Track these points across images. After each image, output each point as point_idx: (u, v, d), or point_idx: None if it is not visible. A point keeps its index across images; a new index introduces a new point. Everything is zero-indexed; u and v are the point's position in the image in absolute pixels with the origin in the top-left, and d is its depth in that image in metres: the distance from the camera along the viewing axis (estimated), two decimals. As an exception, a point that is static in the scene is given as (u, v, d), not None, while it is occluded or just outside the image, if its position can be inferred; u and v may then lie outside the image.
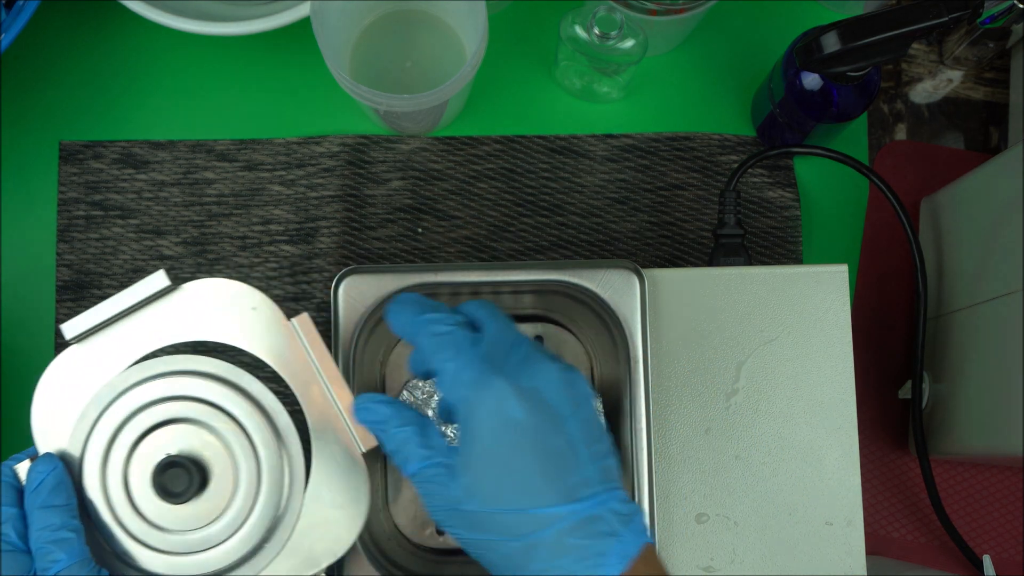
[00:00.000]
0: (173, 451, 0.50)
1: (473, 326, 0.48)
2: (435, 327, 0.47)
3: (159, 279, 0.52)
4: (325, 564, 0.51)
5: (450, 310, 0.48)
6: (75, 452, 0.51)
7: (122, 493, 0.50)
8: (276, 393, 0.52)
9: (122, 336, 0.52)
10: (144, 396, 0.51)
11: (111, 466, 0.50)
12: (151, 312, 0.52)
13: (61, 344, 0.69)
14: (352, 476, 0.51)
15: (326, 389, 0.52)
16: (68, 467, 0.50)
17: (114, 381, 0.51)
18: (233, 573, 0.50)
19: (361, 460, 0.51)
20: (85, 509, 0.50)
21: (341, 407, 0.51)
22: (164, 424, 0.51)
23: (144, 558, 0.50)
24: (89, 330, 0.51)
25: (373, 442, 0.51)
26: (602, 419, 0.56)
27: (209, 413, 0.51)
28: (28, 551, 0.48)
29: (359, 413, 0.49)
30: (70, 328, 0.52)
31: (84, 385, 0.52)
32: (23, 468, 0.50)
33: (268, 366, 0.52)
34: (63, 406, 0.52)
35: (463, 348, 0.46)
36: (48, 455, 0.50)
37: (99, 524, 0.51)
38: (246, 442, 0.51)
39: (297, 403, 0.52)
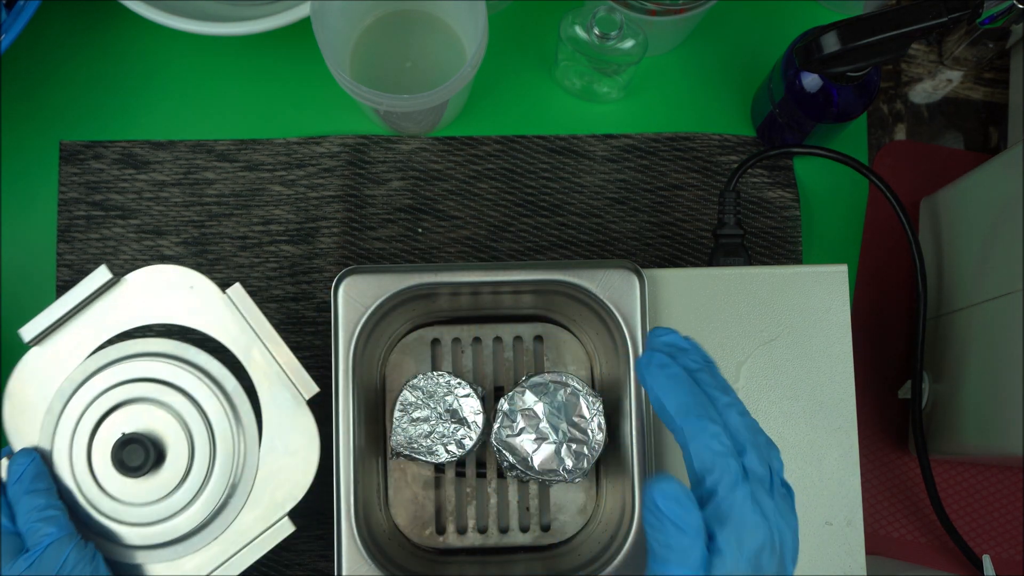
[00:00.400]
0: (128, 430, 0.55)
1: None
2: (712, 443, 0.45)
3: (102, 274, 0.57)
4: (288, 507, 0.56)
5: (718, 418, 0.46)
6: (46, 445, 0.56)
7: (88, 476, 0.55)
8: (228, 363, 0.57)
9: (77, 332, 0.57)
10: (101, 384, 0.56)
11: (76, 452, 0.55)
12: (100, 305, 0.57)
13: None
14: (301, 423, 0.57)
15: (265, 348, 0.57)
16: (43, 458, 0.55)
17: (73, 374, 0.56)
18: (206, 529, 0.55)
19: (306, 407, 0.57)
20: (62, 495, 0.55)
21: (281, 362, 0.57)
22: (119, 406, 0.56)
23: (120, 532, 0.55)
24: (46, 330, 0.56)
25: (315, 389, 0.57)
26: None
27: (160, 390, 0.56)
28: (18, 533, 0.52)
29: (662, 497, 0.44)
30: (28, 331, 0.56)
31: (48, 382, 0.56)
32: (2, 465, 0.54)
33: (212, 338, 0.57)
34: (31, 405, 0.56)
35: (740, 490, 0.44)
36: (24, 449, 0.55)
37: (75, 508, 0.55)
38: (196, 411, 0.56)
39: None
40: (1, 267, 0.70)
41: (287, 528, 0.56)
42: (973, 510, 0.70)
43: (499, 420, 0.59)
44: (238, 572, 0.56)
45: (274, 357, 0.57)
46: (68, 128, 0.72)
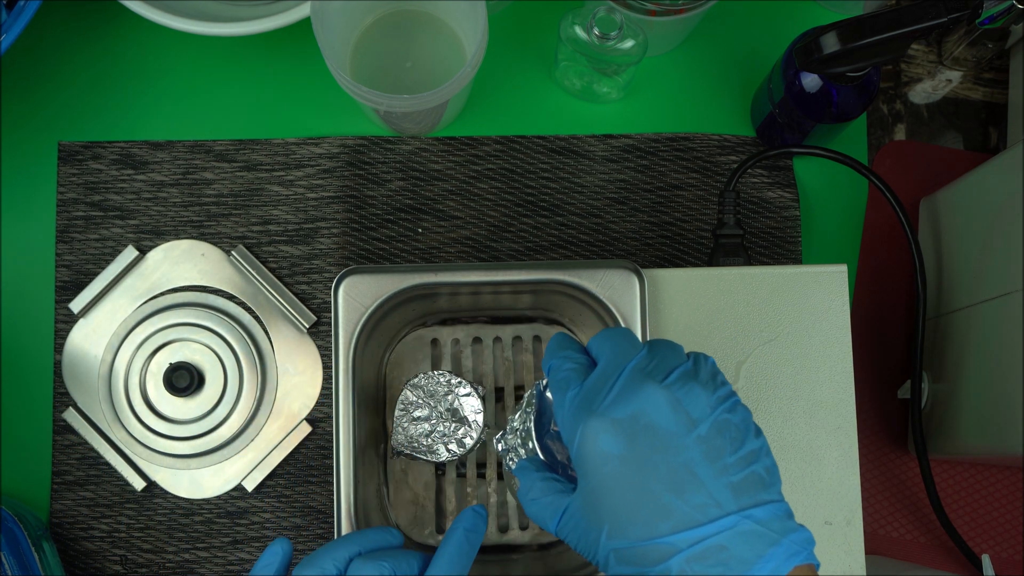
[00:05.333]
0: (174, 360, 0.68)
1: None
2: (559, 367, 0.46)
3: (129, 252, 0.69)
4: (303, 415, 0.69)
5: (580, 349, 0.48)
6: (104, 389, 0.68)
7: (144, 405, 0.68)
8: (242, 306, 0.70)
9: (114, 301, 0.70)
10: (142, 334, 0.68)
11: (132, 387, 0.68)
12: (130, 279, 0.70)
13: (60, 344, 0.69)
14: (304, 348, 0.69)
15: (268, 292, 0.69)
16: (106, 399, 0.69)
17: (117, 330, 0.69)
18: (240, 438, 0.68)
19: (307, 336, 0.69)
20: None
21: (283, 302, 0.69)
22: (161, 348, 0.69)
23: (176, 447, 0.68)
24: (90, 302, 0.69)
25: (312, 319, 0.69)
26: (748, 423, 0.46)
27: (191, 331, 0.69)
28: None
29: (517, 471, 0.49)
30: (75, 304, 0.69)
31: (98, 342, 0.69)
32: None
33: (225, 291, 0.70)
34: (85, 362, 0.69)
35: (571, 386, 0.45)
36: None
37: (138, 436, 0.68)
38: (223, 343, 0.68)
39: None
40: (1, 267, 0.70)
41: (305, 430, 0.68)
42: (972, 510, 0.70)
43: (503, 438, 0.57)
44: (270, 471, 0.68)
45: (276, 298, 0.69)
46: (67, 128, 0.72)
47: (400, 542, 0.52)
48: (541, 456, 0.50)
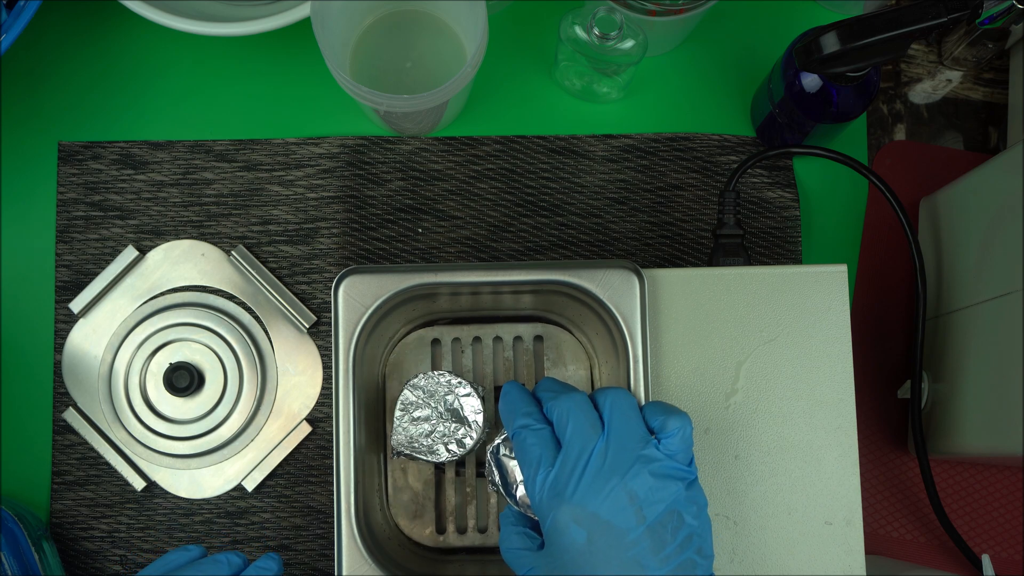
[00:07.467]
0: (174, 360, 0.68)
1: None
2: (522, 439, 0.53)
3: (129, 252, 0.69)
4: (303, 415, 0.69)
5: (539, 413, 0.54)
6: (104, 389, 0.68)
7: (145, 405, 0.68)
8: (242, 306, 0.70)
9: (114, 301, 0.70)
10: (142, 334, 0.69)
11: (132, 387, 0.68)
12: (130, 279, 0.70)
13: (60, 344, 0.69)
14: (304, 348, 0.70)
15: (268, 292, 0.69)
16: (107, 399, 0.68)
17: (117, 330, 0.69)
18: (240, 438, 0.68)
19: (307, 336, 0.70)
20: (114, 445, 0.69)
21: (283, 302, 0.69)
22: (161, 348, 0.69)
23: (176, 447, 0.68)
24: (90, 302, 0.69)
25: (312, 319, 0.69)
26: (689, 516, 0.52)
27: (192, 331, 0.69)
28: None
29: (503, 533, 0.56)
30: (75, 304, 0.69)
31: (98, 342, 0.69)
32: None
33: (225, 291, 0.70)
34: (85, 362, 0.69)
35: (540, 467, 0.52)
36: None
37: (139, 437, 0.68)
38: (223, 343, 0.69)
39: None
40: (1, 267, 0.70)
41: (305, 430, 0.69)
42: (972, 510, 0.70)
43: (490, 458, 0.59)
44: (270, 471, 0.68)
45: (276, 298, 0.69)
46: (67, 128, 0.72)
47: (198, 555, 0.55)
48: (517, 508, 0.56)
